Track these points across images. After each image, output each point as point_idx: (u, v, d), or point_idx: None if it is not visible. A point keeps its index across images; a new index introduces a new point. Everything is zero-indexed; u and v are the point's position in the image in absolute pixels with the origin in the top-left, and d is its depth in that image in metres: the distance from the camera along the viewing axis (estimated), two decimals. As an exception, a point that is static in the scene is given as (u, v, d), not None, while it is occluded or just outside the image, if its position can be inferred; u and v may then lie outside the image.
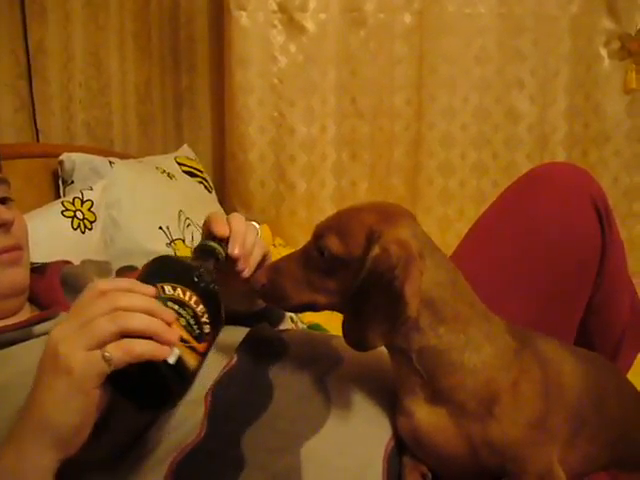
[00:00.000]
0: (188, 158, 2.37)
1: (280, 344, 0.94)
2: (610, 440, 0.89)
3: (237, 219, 0.89)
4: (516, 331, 0.82)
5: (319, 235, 0.79)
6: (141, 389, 0.67)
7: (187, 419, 0.79)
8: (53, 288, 1.04)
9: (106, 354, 0.62)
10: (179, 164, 2.26)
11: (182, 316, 0.69)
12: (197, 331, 0.70)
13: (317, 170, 2.57)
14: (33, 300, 1.04)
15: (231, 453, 0.77)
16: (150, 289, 0.69)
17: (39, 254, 1.09)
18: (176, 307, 0.69)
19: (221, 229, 0.86)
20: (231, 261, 0.86)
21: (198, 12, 2.70)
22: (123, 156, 2.09)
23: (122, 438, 0.77)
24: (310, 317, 1.71)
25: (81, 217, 1.64)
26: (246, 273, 0.87)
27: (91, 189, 1.71)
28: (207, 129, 2.78)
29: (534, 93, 2.49)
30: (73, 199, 1.66)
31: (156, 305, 0.67)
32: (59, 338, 0.65)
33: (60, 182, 1.80)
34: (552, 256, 1.10)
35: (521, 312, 0.84)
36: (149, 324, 0.65)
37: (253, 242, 0.89)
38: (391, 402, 0.85)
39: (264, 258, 0.91)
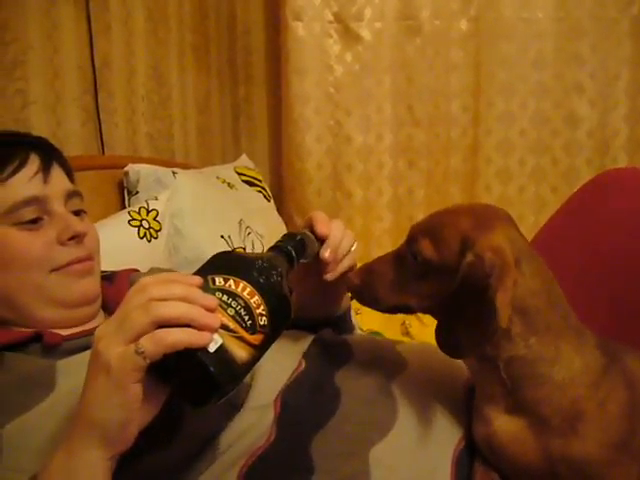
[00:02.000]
0: (247, 168, 2.40)
1: (346, 349, 0.95)
2: None
3: (337, 224, 0.91)
4: (605, 345, 0.79)
5: (412, 239, 0.78)
6: (190, 383, 0.64)
7: (256, 424, 0.80)
8: (122, 295, 1.06)
9: (139, 347, 0.60)
10: (238, 174, 2.28)
11: (230, 306, 0.65)
12: (249, 322, 0.65)
13: (374, 178, 2.58)
14: (104, 307, 1.06)
15: (300, 458, 0.78)
16: (195, 279, 0.66)
17: (107, 263, 1.11)
18: (224, 297, 0.65)
19: (324, 229, 0.88)
20: (320, 262, 0.87)
21: (255, 24, 2.75)
22: (185, 166, 2.12)
23: (193, 443, 0.78)
24: (369, 325, 1.72)
25: (147, 226, 1.66)
26: (329, 277, 0.89)
27: (156, 199, 1.73)
28: (264, 139, 2.82)
29: (594, 97, 2.43)
30: (139, 209, 1.68)
31: (196, 292, 0.64)
32: (100, 336, 0.64)
33: (125, 193, 1.83)
34: (622, 263, 1.07)
35: (588, 319, 0.83)
36: (184, 310, 0.62)
37: (346, 251, 0.90)
38: (458, 407, 0.86)
39: (351, 269, 0.92)
